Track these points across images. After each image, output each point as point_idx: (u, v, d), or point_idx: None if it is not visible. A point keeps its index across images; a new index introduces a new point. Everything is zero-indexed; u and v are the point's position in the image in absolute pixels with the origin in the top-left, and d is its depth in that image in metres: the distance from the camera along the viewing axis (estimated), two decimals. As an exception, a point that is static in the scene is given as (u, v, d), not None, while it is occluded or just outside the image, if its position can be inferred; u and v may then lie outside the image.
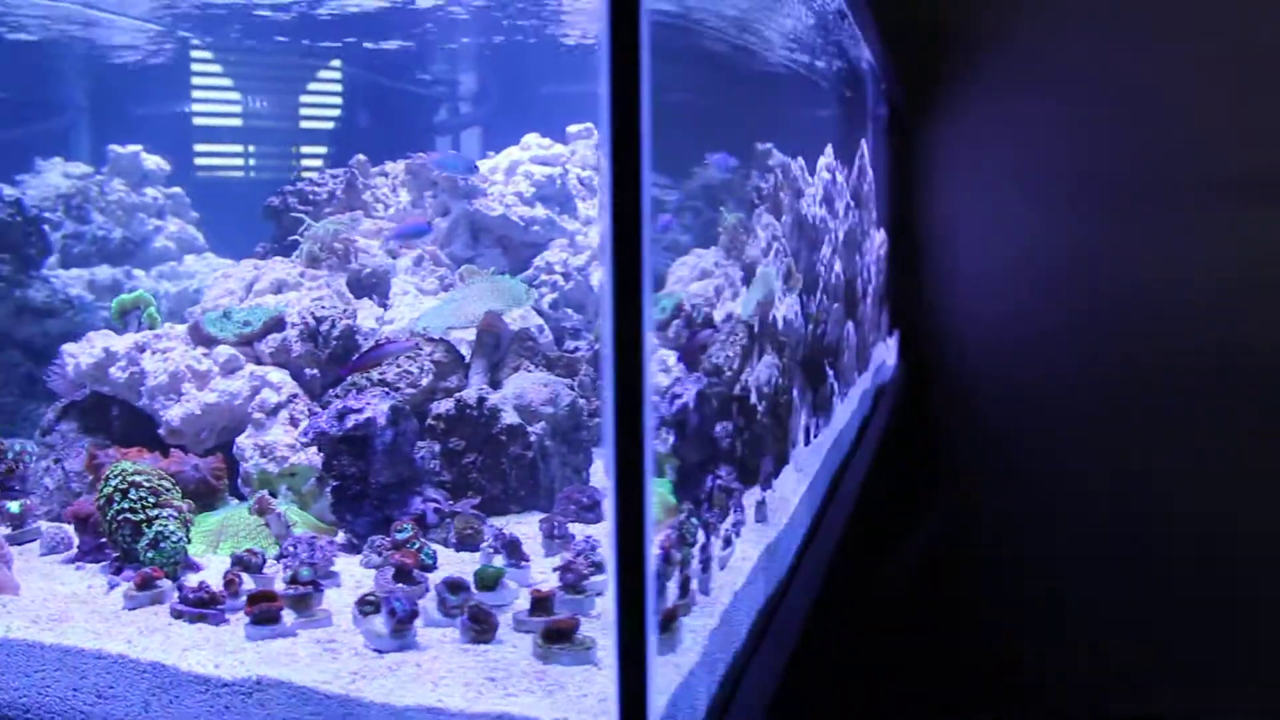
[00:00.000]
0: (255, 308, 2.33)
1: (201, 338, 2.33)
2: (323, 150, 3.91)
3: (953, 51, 4.41)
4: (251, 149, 3.98)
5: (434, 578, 1.81)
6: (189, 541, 1.78)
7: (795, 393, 2.65)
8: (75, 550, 1.95)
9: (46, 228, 2.96)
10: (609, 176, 1.34)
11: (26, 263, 2.74)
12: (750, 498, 2.29)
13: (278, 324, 2.33)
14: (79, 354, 2.27)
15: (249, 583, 1.69)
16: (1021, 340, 4.47)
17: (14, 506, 2.01)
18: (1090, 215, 4.14)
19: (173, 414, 2.19)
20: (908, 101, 4.72)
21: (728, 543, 2.01)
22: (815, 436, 2.94)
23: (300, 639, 1.60)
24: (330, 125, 3.89)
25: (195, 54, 3.69)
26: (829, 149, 3.52)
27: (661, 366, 2.54)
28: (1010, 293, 4.59)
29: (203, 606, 1.62)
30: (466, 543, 2.04)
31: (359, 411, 2.00)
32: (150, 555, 1.75)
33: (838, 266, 3.59)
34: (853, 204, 4.01)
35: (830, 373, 3.22)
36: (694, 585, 1.82)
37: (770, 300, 2.57)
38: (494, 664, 1.54)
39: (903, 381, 4.81)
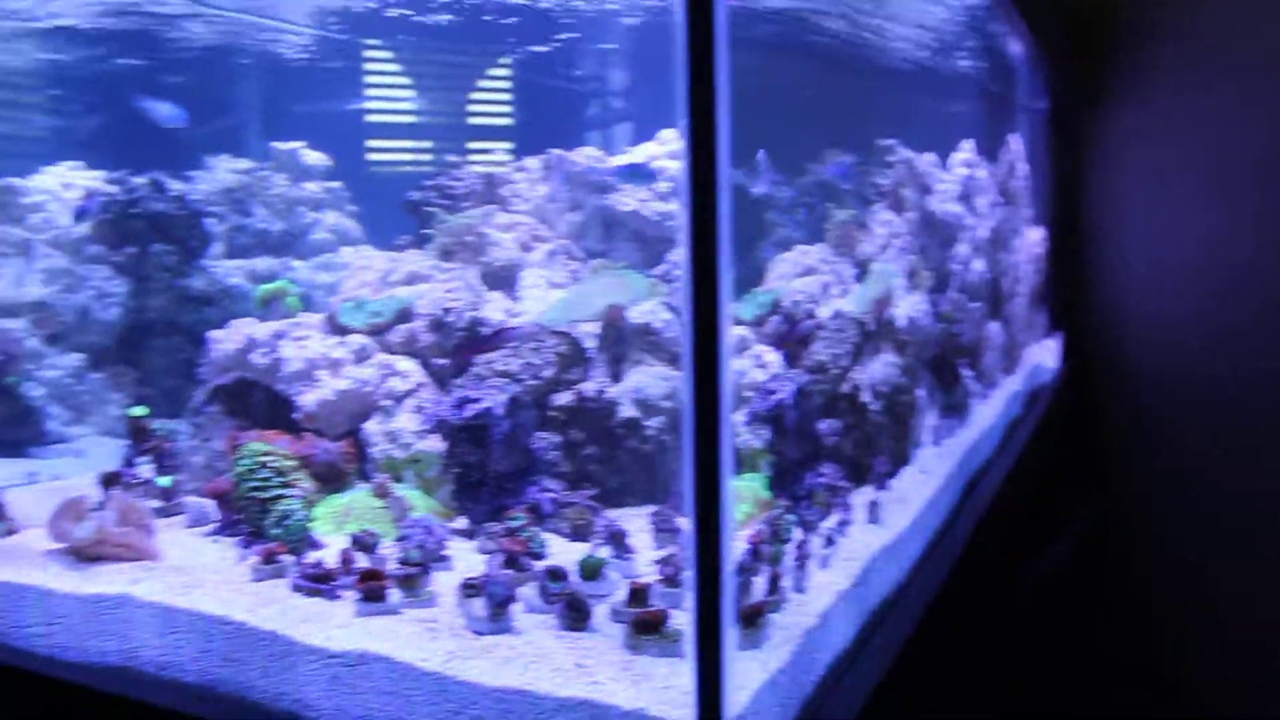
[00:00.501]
0: (387, 299, 2.45)
1: (336, 327, 2.46)
2: (476, 145, 4.05)
3: (1126, 43, 4.25)
4: (410, 145, 4.15)
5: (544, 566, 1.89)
6: (311, 520, 1.89)
7: (920, 393, 2.61)
8: (215, 524, 2.10)
9: (211, 221, 3.17)
10: (687, 174, 1.37)
11: (189, 254, 2.95)
12: (861, 497, 2.28)
13: (407, 315, 2.44)
14: (223, 340, 2.43)
15: (362, 562, 1.79)
16: (1196, 341, 4.28)
17: (165, 481, 2.17)
18: (1276, 209, 3.94)
19: (308, 399, 2.32)
20: (1073, 94, 4.57)
21: (829, 541, 2.01)
22: (947, 438, 2.93)
23: (405, 617, 1.68)
24: (483, 121, 4.03)
25: (356, 55, 3.88)
26: (968, 144, 3.44)
27: (758, 362, 2.55)
28: (1186, 291, 4.39)
29: (318, 582, 1.72)
30: (579, 533, 2.09)
31: (477, 401, 2.08)
32: (276, 532, 1.87)
33: (979, 264, 3.51)
34: (1000, 200, 3.92)
35: (967, 374, 3.16)
36: (787, 583, 1.83)
37: (887, 298, 2.54)
38: (585, 651, 1.58)
39: (1065, 384, 4.67)
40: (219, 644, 1.73)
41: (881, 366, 2.45)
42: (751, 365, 2.46)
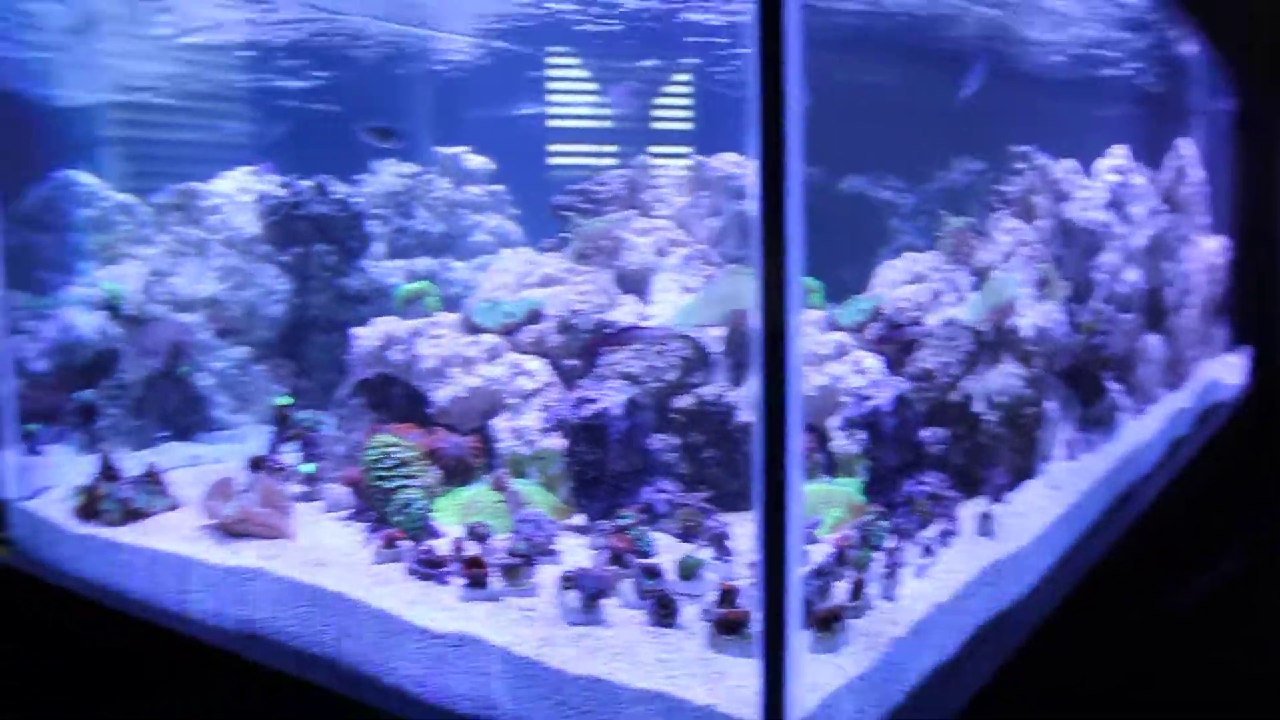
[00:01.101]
0: (520, 300, 2.57)
1: (470, 326, 2.59)
2: (633, 149, 4.13)
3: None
4: (575, 149, 4.28)
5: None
6: (431, 510, 2.01)
7: (1050, 405, 2.54)
8: (348, 510, 2.25)
9: (373, 223, 3.37)
10: (759, 179, 1.40)
11: (349, 254, 3.14)
12: (972, 509, 2.24)
13: (537, 316, 2.55)
14: (366, 337, 2.60)
15: (473, 551, 1.90)
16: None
17: (309, 468, 2.34)
18: None
19: (441, 395, 2.45)
20: (1262, 96, 4.34)
21: (927, 551, 2.00)
22: (1085, 453, 2.82)
23: (505, 605, 1.77)
24: (637, 126, 4.11)
25: (521, 62, 4.03)
26: (1120, 150, 3.30)
27: (856, 368, 2.54)
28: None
29: (430, 568, 1.84)
30: (688, 534, 2.13)
31: (595, 401, 2.16)
32: (397, 519, 2.00)
33: (1131, 275, 3.36)
34: (1163, 207, 3.74)
35: (1115, 387, 3.04)
36: (873, 589, 1.83)
37: (1007, 307, 2.48)
38: (668, 647, 1.63)
39: (1248, 401, 4.43)
40: (338, 619, 1.87)
41: (999, 376, 2.40)
42: (850, 370, 2.46)
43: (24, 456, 2.57)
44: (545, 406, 2.32)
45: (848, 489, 2.29)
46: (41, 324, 2.75)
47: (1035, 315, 2.66)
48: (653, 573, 1.76)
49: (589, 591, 1.67)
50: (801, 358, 1.48)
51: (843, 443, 2.35)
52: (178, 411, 2.71)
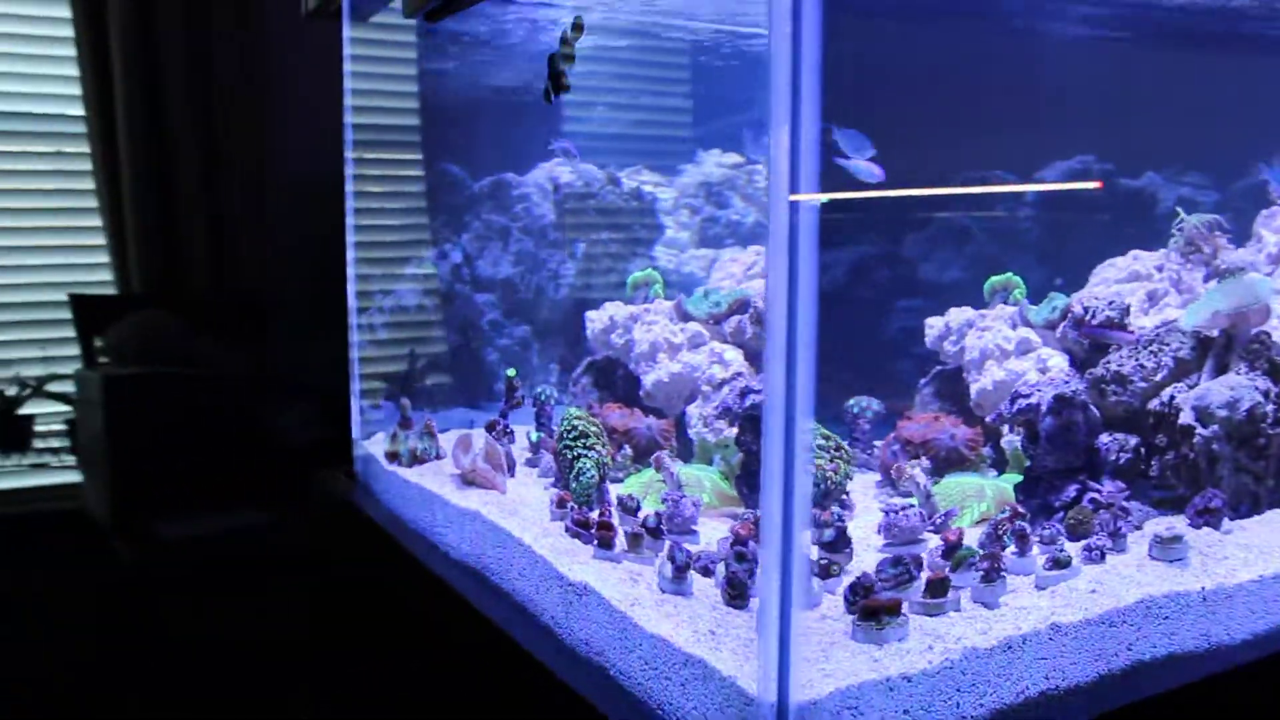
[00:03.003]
0: (734, 290, 2.78)
1: (682, 314, 2.85)
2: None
3: None
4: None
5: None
6: (598, 480, 2.34)
7: None
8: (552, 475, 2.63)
9: (683, 212, 3.65)
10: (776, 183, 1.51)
11: (636, 243, 3.48)
12: (1158, 528, 2.09)
13: (742, 306, 2.76)
14: (595, 320, 2.93)
15: (617, 520, 2.19)
16: None
17: (534, 436, 2.76)
18: None
19: (648, 379, 2.74)
20: None
21: (1057, 564, 1.95)
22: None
23: (623, 567, 2.05)
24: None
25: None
26: None
27: (1039, 365, 2.45)
28: None
29: (580, 528, 2.19)
30: (1075, 533, 2.14)
31: (758, 392, 2.37)
32: (573, 485, 2.36)
33: None
34: None
35: None
36: (961, 593, 1.86)
37: (1246, 313, 2.30)
38: (724, 622, 1.79)
39: None
40: (519, 560, 2.28)
41: (1224, 388, 2.26)
42: (1032, 367, 2.43)
43: (366, 405, 3.24)
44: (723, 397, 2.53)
45: (1001, 484, 2.32)
46: (384, 298, 3.39)
47: None
48: (742, 556, 1.91)
49: (678, 563, 1.94)
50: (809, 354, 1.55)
51: (1011, 439, 2.36)
52: (467, 382, 3.24)
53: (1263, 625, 2.07)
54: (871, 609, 1.76)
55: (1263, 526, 2.23)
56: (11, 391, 4.35)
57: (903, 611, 1.78)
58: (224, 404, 4.19)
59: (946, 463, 2.40)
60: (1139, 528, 2.19)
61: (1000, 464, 2.49)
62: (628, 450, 2.50)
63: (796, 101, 1.52)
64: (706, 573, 1.93)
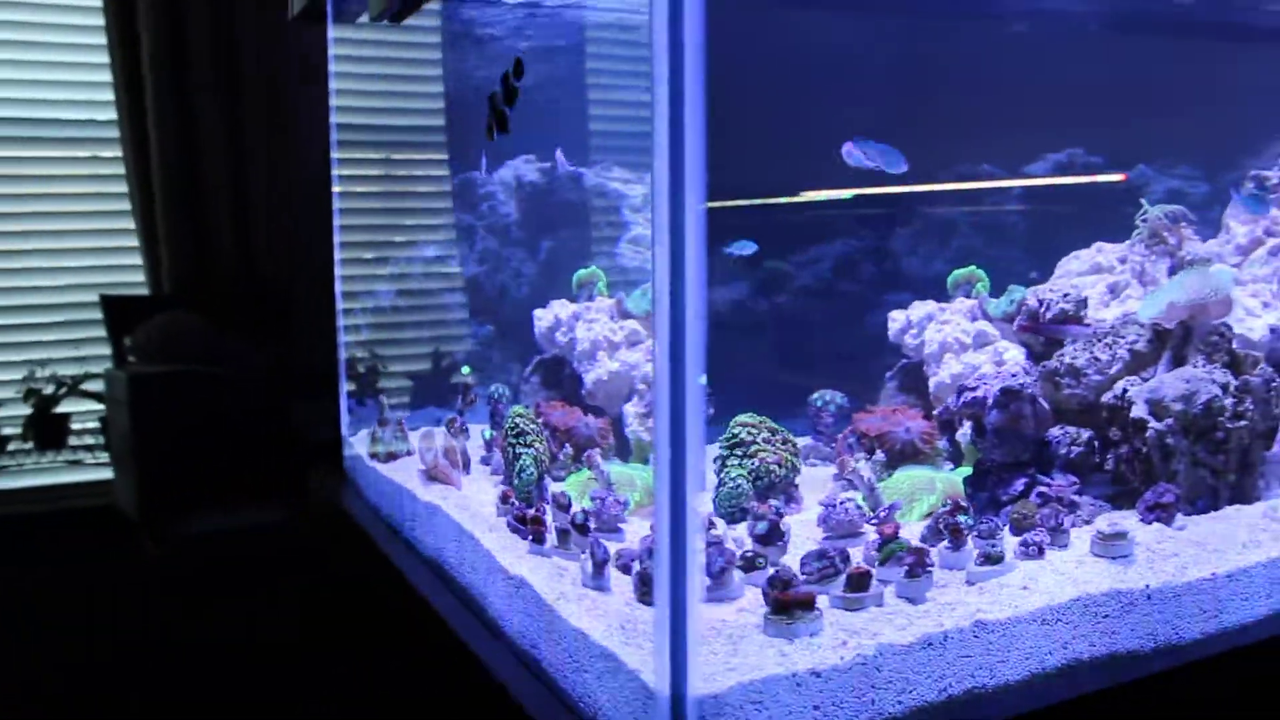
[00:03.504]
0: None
1: (622, 312, 2.82)
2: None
3: None
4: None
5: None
6: (537, 476, 2.35)
7: (1271, 421, 2.21)
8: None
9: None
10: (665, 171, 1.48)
11: (602, 240, 3.45)
12: (1102, 524, 2.02)
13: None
14: (541, 318, 2.92)
15: (550, 516, 2.17)
16: None
17: (486, 434, 2.77)
18: None
19: (589, 377, 2.74)
20: None
21: (989, 560, 1.90)
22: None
23: (553, 562, 2.06)
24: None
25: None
26: None
27: (995, 358, 2.39)
28: None
29: (519, 523, 2.21)
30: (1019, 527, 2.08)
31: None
32: (515, 482, 2.38)
33: None
34: None
35: None
36: (887, 588, 1.82)
37: (1214, 305, 2.23)
38: (635, 618, 1.78)
39: None
40: (470, 554, 2.30)
41: (1178, 381, 2.20)
42: (988, 360, 2.38)
43: (354, 404, 3.30)
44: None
45: (952, 477, 2.28)
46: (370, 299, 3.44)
47: (1271, 317, 2.35)
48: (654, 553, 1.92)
49: (597, 559, 1.95)
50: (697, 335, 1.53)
51: (966, 432, 2.32)
52: (434, 381, 3.27)
53: (1214, 625, 2.02)
54: (783, 603, 1.74)
55: (1219, 523, 2.16)
56: (48, 390, 4.49)
57: (817, 606, 1.76)
58: (246, 401, 4.27)
59: (901, 456, 2.37)
60: (1089, 522, 2.15)
61: (957, 457, 2.46)
62: (569, 449, 2.51)
63: (678, 104, 1.52)
64: (626, 570, 1.93)
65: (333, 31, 3.04)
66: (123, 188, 4.57)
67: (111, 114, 4.53)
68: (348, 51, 3.25)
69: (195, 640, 3.55)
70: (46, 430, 4.56)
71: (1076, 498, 2.14)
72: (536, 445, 2.33)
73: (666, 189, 1.52)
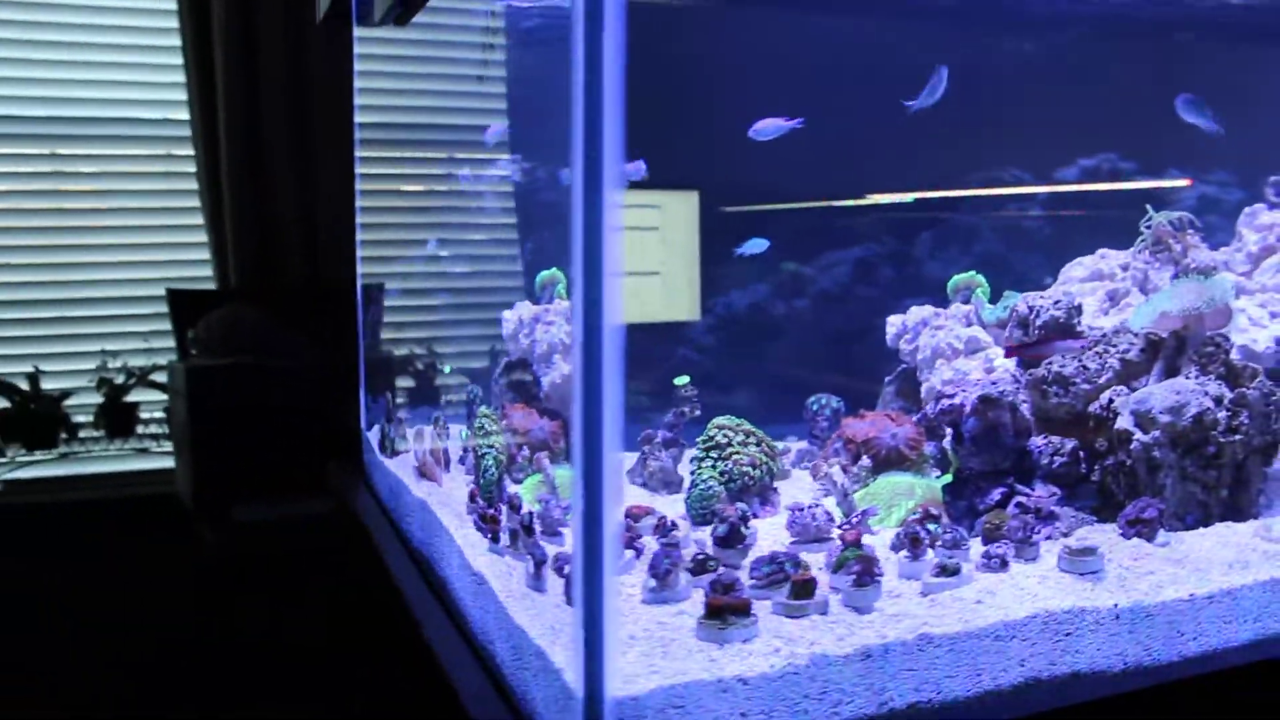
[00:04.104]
0: None
1: None
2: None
3: None
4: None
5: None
6: (499, 476, 2.36)
7: (1270, 436, 2.07)
8: (475, 471, 2.64)
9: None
10: (580, 176, 1.45)
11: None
12: (1078, 538, 1.95)
13: None
14: (508, 320, 2.91)
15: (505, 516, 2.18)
16: None
17: (464, 434, 2.77)
18: None
19: (546, 380, 2.72)
20: None
21: (945, 571, 1.84)
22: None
23: (505, 561, 2.07)
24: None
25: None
26: None
27: (986, 365, 2.30)
28: None
29: (482, 522, 2.22)
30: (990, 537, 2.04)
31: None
32: (480, 481, 2.39)
33: None
34: None
35: None
36: (833, 595, 1.80)
37: (1212, 314, 2.12)
38: (564, 619, 1.72)
39: None
40: (447, 550, 2.30)
41: (1168, 392, 2.10)
42: (978, 367, 2.30)
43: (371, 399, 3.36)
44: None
45: (933, 484, 2.22)
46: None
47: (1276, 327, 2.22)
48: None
49: (537, 559, 1.95)
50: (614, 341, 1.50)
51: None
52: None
53: (1194, 648, 1.93)
54: (714, 607, 1.72)
55: (1206, 540, 2.06)
56: (119, 380, 4.67)
57: (754, 612, 1.74)
58: (300, 394, 4.37)
59: (887, 462, 2.32)
60: (1066, 535, 2.07)
61: (946, 464, 2.39)
62: (526, 451, 2.52)
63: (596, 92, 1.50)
64: (561, 571, 1.94)
65: (358, 32, 3.10)
66: (195, 185, 4.73)
67: (186, 114, 4.69)
68: (385, 51, 3.31)
69: (237, 627, 3.66)
70: (116, 419, 4.74)
71: (1057, 509, 2.06)
72: (498, 446, 2.34)
73: (582, 187, 1.51)
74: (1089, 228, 3.15)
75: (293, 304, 4.78)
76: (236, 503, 4.25)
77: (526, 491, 2.30)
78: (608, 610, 1.56)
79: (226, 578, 4.01)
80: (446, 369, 2.87)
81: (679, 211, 3.70)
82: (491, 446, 2.32)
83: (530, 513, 2.06)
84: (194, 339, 4.54)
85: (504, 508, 2.11)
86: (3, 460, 4.52)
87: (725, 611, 1.71)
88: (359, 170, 3.09)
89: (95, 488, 4.69)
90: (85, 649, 3.64)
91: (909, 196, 2.87)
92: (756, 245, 2.82)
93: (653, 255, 3.70)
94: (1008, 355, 2.27)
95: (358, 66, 3.09)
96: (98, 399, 4.68)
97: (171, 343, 4.73)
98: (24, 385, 4.60)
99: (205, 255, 4.87)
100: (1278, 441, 2.11)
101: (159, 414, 4.84)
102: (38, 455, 4.55)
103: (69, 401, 4.66)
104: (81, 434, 4.61)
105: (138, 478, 4.77)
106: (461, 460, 2.76)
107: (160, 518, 4.58)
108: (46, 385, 4.66)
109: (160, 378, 4.72)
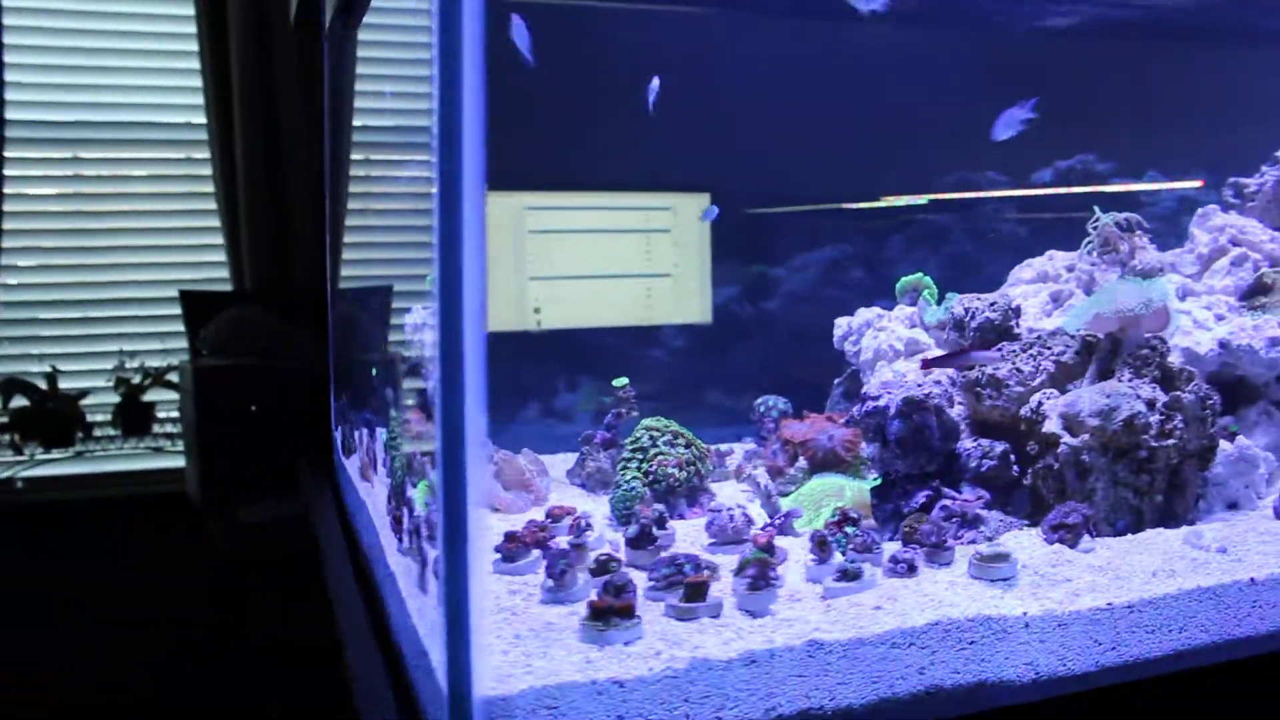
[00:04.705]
0: None
1: None
2: None
3: None
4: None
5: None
6: (401, 480, 2.36)
7: (1206, 440, 1.97)
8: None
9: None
10: (438, 177, 1.41)
11: None
12: (990, 544, 1.89)
13: None
14: (409, 321, 2.89)
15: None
16: None
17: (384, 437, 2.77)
18: None
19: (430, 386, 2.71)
20: None
21: (846, 576, 1.79)
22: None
23: (404, 560, 2.03)
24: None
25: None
26: None
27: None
28: None
29: (395, 524, 2.22)
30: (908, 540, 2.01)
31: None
32: (392, 482, 2.40)
33: None
34: None
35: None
36: (733, 600, 1.76)
37: (1133, 316, 2.04)
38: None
39: None
40: (375, 544, 2.33)
41: (1099, 395, 2.02)
42: (916, 368, 2.24)
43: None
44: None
45: (863, 486, 2.17)
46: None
47: (1221, 330, 2.13)
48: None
49: (420, 561, 1.93)
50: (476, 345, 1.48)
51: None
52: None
53: (1113, 658, 1.86)
54: (599, 609, 1.71)
55: (1135, 546, 1.98)
56: (136, 380, 4.77)
57: (638, 614, 1.72)
58: (304, 394, 4.41)
59: (824, 463, 2.28)
60: (991, 539, 2.01)
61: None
62: (420, 456, 2.52)
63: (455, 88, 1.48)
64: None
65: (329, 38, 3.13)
66: (213, 187, 4.82)
67: (203, 117, 4.77)
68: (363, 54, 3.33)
69: (237, 628, 3.71)
70: (133, 418, 4.83)
71: (984, 513, 2.01)
72: (404, 449, 2.36)
73: (439, 186, 1.49)
74: (1064, 229, 3.07)
75: (304, 305, 4.83)
76: (241, 503, 4.30)
77: (419, 495, 2.31)
78: (473, 610, 1.54)
79: (230, 578, 4.06)
80: (374, 372, 2.89)
81: (691, 213, 3.69)
82: (399, 449, 2.33)
83: (419, 516, 2.06)
84: (203, 339, 4.61)
85: (405, 510, 2.12)
86: (21, 458, 4.63)
87: (609, 613, 1.70)
88: (351, 172, 3.10)
89: (110, 486, 4.78)
90: (97, 644, 3.71)
91: (887, 202, 2.82)
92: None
93: (665, 257, 3.70)
94: (923, 369, 2.21)
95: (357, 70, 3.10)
96: (115, 398, 4.77)
97: (184, 344, 4.81)
98: (42, 384, 4.70)
99: (222, 257, 4.95)
100: (1215, 446, 2.03)
101: (174, 414, 4.93)
102: (55, 454, 4.65)
103: (86, 401, 4.75)
104: (97, 433, 4.70)
105: (152, 476, 4.85)
106: (383, 463, 2.79)
107: (172, 517, 4.66)
108: (64, 384, 4.76)
109: (175, 378, 4.81)
